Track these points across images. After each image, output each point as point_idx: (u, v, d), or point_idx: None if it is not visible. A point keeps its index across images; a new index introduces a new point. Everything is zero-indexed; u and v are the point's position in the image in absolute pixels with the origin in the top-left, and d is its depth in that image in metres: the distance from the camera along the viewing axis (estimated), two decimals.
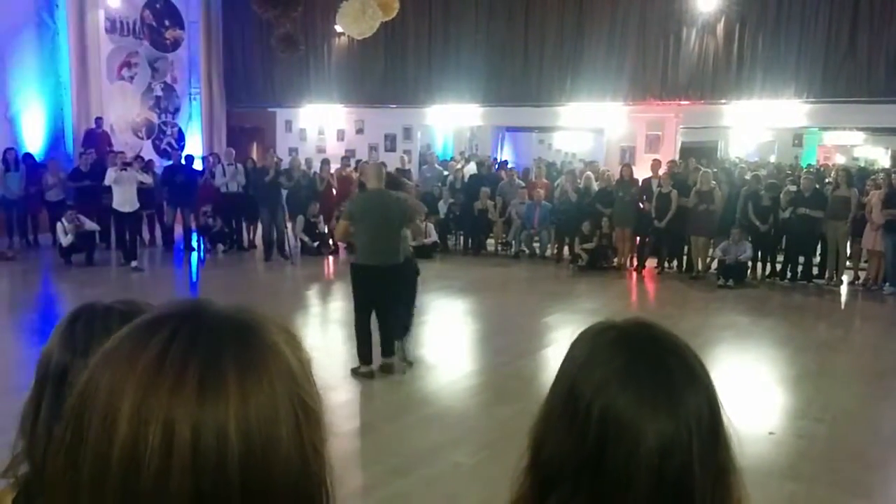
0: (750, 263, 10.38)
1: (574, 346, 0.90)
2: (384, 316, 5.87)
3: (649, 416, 0.80)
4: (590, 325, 0.93)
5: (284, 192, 11.96)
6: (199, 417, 0.52)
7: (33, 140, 13.01)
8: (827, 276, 10.30)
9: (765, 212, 10.36)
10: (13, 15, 12.56)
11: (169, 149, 15.16)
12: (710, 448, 0.82)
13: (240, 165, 12.45)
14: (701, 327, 7.81)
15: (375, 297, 5.74)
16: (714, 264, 10.63)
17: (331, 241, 12.11)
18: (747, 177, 11.49)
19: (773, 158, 18.42)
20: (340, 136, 15.88)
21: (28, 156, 12.16)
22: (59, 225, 10.57)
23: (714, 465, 0.82)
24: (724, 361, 6.62)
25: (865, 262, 10.35)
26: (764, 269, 10.81)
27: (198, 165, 13.00)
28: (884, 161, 17.99)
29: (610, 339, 0.87)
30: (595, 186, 11.83)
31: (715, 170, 12.37)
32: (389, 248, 5.61)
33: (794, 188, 10.63)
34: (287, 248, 11.77)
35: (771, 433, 4.81)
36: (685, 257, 11.17)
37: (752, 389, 5.78)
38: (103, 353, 0.57)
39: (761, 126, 14.96)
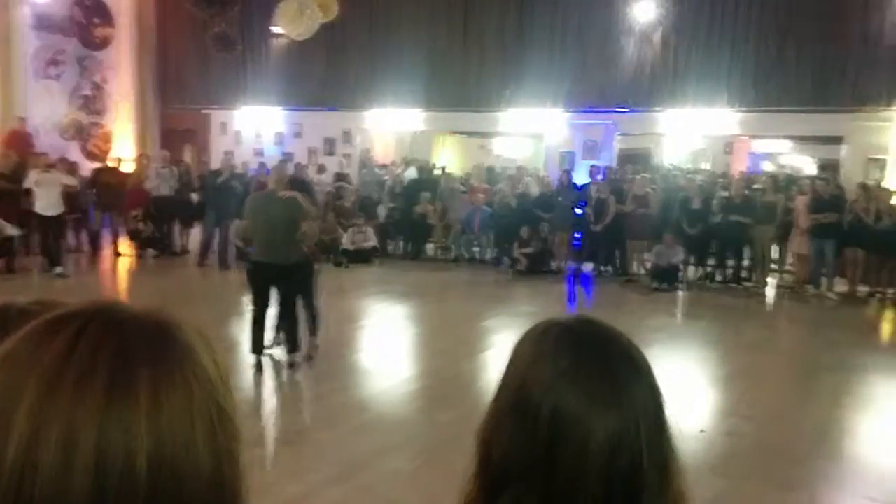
0: (682, 267, 10.66)
1: (519, 345, 0.90)
2: (283, 313, 6.15)
3: (599, 413, 0.80)
4: (533, 325, 0.92)
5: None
6: (106, 419, 0.49)
7: None
8: (755, 278, 10.66)
9: (695, 216, 10.65)
10: None
11: (97, 151, 14.60)
12: (656, 441, 0.83)
13: (174, 168, 12.09)
14: (635, 329, 7.94)
15: (268, 292, 5.99)
16: (648, 267, 10.87)
17: None
18: (682, 182, 11.81)
19: (706, 165, 18.98)
20: (279, 139, 15.62)
21: None
22: None
23: (660, 457, 0.83)
24: (658, 362, 6.66)
25: (791, 265, 10.76)
26: (696, 271, 11.11)
27: (127, 168, 12.55)
28: (809, 169, 18.77)
29: (555, 338, 0.87)
30: (535, 192, 11.95)
31: (649, 176, 12.68)
32: (280, 246, 5.81)
33: (725, 193, 10.96)
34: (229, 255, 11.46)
35: (702, 431, 4.92)
36: (619, 261, 11.38)
37: (684, 389, 5.90)
38: (3, 351, 0.53)
39: (695, 134, 15.41)
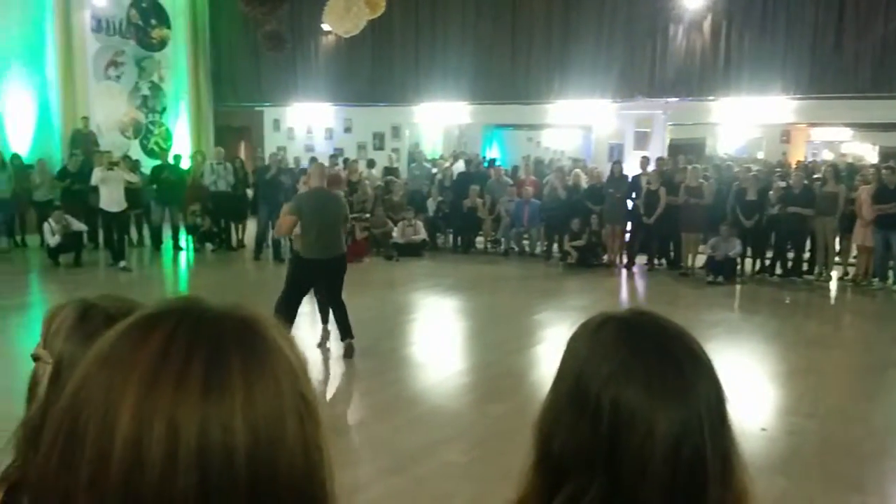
0: (739, 259, 10.42)
1: (574, 340, 0.91)
2: (333, 304, 6.36)
3: (661, 404, 0.81)
4: (587, 318, 0.93)
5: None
6: (205, 414, 0.51)
7: (21, 141, 12.88)
8: (816, 271, 10.36)
9: (751, 207, 10.40)
10: (0, 18, 12.44)
11: (156, 148, 15.06)
12: (719, 432, 0.83)
13: (228, 164, 12.39)
14: (691, 323, 7.75)
15: (316, 287, 6.32)
16: (703, 260, 10.67)
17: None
18: (736, 172, 11.54)
19: (760, 154, 18.50)
20: (329, 134, 15.83)
21: (15, 156, 12.05)
22: (46, 225, 10.48)
23: (723, 448, 0.83)
24: (715, 358, 6.55)
25: (854, 257, 10.42)
26: (753, 265, 10.86)
27: (185, 164, 12.91)
28: (872, 157, 18.12)
29: (612, 331, 0.88)
30: (584, 184, 11.85)
31: (704, 166, 12.42)
32: (334, 241, 6.14)
33: (783, 184, 10.68)
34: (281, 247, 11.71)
35: (763, 429, 4.83)
36: (673, 254, 11.21)
37: (743, 386, 5.79)
38: (98, 353, 0.55)
39: (749, 122, 15.04)
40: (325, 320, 6.65)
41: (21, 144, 12.77)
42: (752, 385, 5.89)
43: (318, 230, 6.00)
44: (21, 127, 13.01)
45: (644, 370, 0.83)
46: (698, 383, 0.83)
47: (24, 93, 13.05)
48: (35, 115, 13.25)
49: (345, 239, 6.48)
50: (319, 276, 6.23)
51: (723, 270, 10.06)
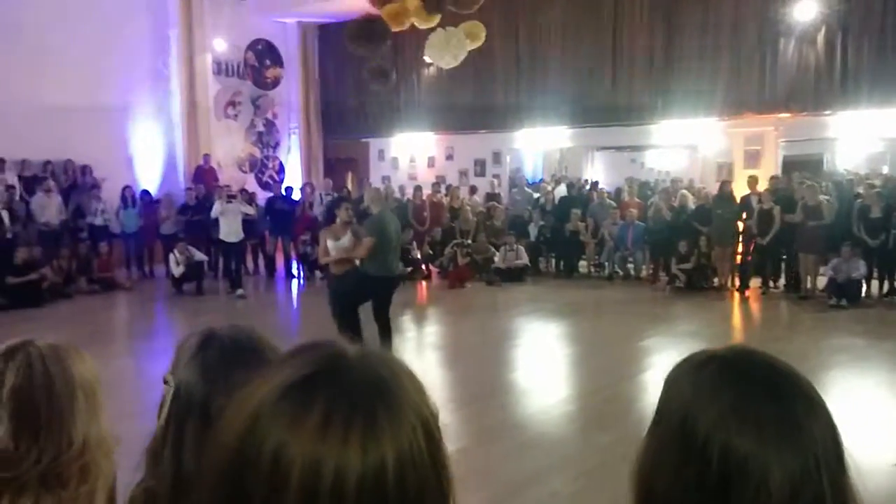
0: (864, 281, 9.77)
1: (675, 380, 0.88)
2: (385, 324, 6.75)
3: (775, 451, 0.77)
4: (686, 356, 0.91)
5: None
6: (364, 460, 0.62)
7: (149, 177, 13.97)
8: None
9: (876, 225, 9.75)
10: (133, 65, 13.61)
11: (270, 181, 15.90)
12: (838, 477, 0.80)
13: (336, 195, 12.90)
14: (812, 350, 7.41)
15: (376, 303, 6.67)
16: (824, 283, 10.06)
17: (423, 267, 12.30)
18: (860, 189, 10.87)
19: (885, 170, 17.31)
20: (431, 162, 16.16)
21: (144, 192, 13.04)
22: (171, 256, 11.25)
23: (843, 493, 0.79)
24: (840, 387, 6.24)
25: None
26: (881, 287, 10.15)
27: (296, 196, 13.54)
28: None
29: (714, 371, 0.84)
30: (691, 204, 11.50)
31: (823, 183, 11.77)
32: (395, 259, 6.77)
33: None
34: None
35: (894, 465, 4.49)
36: (792, 276, 10.65)
37: (872, 417, 5.42)
38: (258, 414, 0.65)
39: (871, 136, 14.13)
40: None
41: (149, 181, 13.83)
42: (881, 416, 5.50)
43: (388, 248, 6.54)
44: (149, 165, 14.11)
45: (755, 414, 0.79)
46: (813, 426, 0.79)
47: (152, 133, 14.16)
48: (162, 153, 14.34)
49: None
50: (387, 292, 6.72)
51: (846, 293, 9.46)
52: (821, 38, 11.20)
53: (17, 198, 11.38)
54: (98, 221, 12.09)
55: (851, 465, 0.82)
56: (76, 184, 12.42)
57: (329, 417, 0.63)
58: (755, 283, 10.83)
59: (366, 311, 6.84)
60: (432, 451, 0.66)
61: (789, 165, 13.55)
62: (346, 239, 6.82)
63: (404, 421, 0.65)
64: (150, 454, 1.12)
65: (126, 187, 12.57)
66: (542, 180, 15.81)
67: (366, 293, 6.65)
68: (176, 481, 1.07)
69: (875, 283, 10.15)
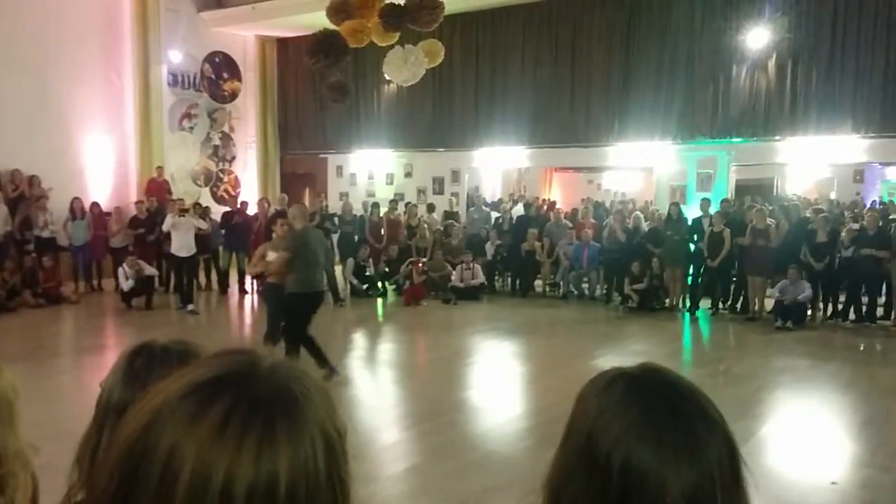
0: (809, 304, 10.04)
1: (584, 397, 0.90)
2: (309, 338, 6.75)
3: (672, 467, 0.79)
4: (597, 374, 0.92)
5: (335, 237, 12.18)
6: (257, 469, 0.61)
7: (100, 189, 13.62)
8: (893, 317, 9.87)
9: (821, 250, 10.04)
10: (84, 76, 13.31)
11: (226, 195, 15.65)
12: (732, 494, 0.82)
13: (306, 211, 12.76)
14: (758, 370, 7.55)
15: (291, 317, 6.70)
16: (771, 305, 10.31)
17: (379, 284, 12.24)
18: (807, 214, 11.19)
19: (832, 195, 17.91)
20: (389, 179, 16.15)
21: (95, 204, 12.72)
22: (120, 270, 10.97)
23: None
24: (783, 407, 6.37)
25: None
26: (825, 309, 10.43)
27: (251, 211, 13.36)
28: None
29: (622, 389, 0.87)
30: (644, 226, 11.69)
31: (772, 207, 12.09)
32: (319, 276, 6.77)
33: (856, 226, 10.28)
34: (339, 291, 11.91)
35: (834, 483, 4.58)
36: (741, 298, 10.88)
37: (814, 437, 5.54)
38: (160, 409, 0.64)
39: (819, 162, 14.61)
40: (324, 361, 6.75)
41: (100, 193, 13.49)
42: (822, 436, 5.62)
43: (315, 263, 6.65)
44: (100, 176, 13.77)
45: (655, 430, 0.81)
46: (711, 445, 0.82)
47: (104, 144, 13.84)
48: (113, 164, 14.02)
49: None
50: (313, 308, 6.75)
51: (792, 315, 9.70)
52: (772, 65, 11.56)
53: None
54: (45, 234, 11.74)
55: (748, 482, 0.85)
56: (23, 195, 12.05)
57: (227, 420, 0.62)
58: (705, 304, 11.03)
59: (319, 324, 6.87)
60: (331, 469, 0.66)
61: (741, 189, 13.92)
62: (276, 254, 7.02)
63: (304, 435, 0.64)
64: (76, 458, 1.14)
65: (75, 199, 12.25)
66: (500, 200, 15.93)
67: (300, 311, 6.67)
68: (90, 486, 1.06)
69: (820, 306, 10.42)
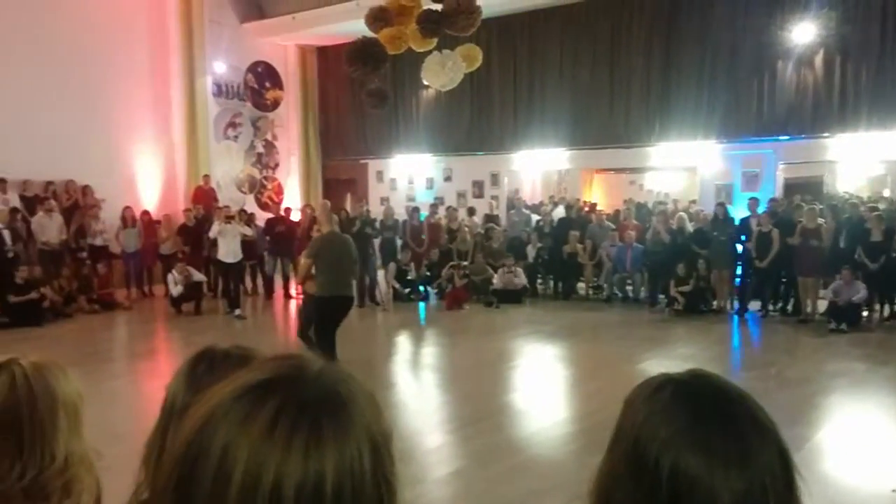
0: (865, 305, 9.72)
1: (632, 402, 0.89)
2: (331, 341, 6.83)
3: (722, 474, 0.78)
4: (644, 379, 0.91)
5: (377, 241, 12.27)
6: (305, 468, 0.63)
7: (149, 198, 14.01)
8: None
9: (875, 248, 9.73)
10: (132, 89, 13.71)
11: (269, 202, 15.92)
12: (785, 502, 0.80)
13: (334, 216, 12.90)
14: (811, 374, 7.35)
15: (338, 322, 6.78)
16: (824, 306, 10.02)
17: (421, 288, 12.29)
18: (860, 211, 10.86)
19: (886, 192, 17.34)
20: (429, 184, 16.21)
21: (145, 213, 13.07)
22: (170, 276, 11.25)
23: None
24: (839, 412, 6.19)
25: None
26: (881, 310, 10.10)
27: (295, 217, 13.55)
28: None
29: (670, 394, 0.86)
30: (689, 227, 11.50)
31: (821, 206, 11.77)
32: (350, 280, 6.87)
33: None
34: (379, 294, 12.00)
35: (894, 490, 4.43)
36: (791, 299, 10.61)
37: (871, 443, 5.36)
38: (215, 411, 0.67)
39: (871, 159, 14.16)
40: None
41: (150, 201, 13.87)
42: (881, 442, 5.44)
43: (337, 270, 6.67)
44: (149, 185, 14.17)
45: (704, 436, 0.81)
46: (762, 452, 0.81)
47: (153, 154, 14.23)
48: (162, 174, 14.40)
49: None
50: (341, 312, 6.81)
51: (846, 317, 9.41)
52: (819, 60, 11.26)
53: (19, 217, 11.42)
54: (98, 242, 12.12)
55: (802, 490, 0.83)
56: (77, 204, 12.46)
57: (276, 421, 0.64)
58: (754, 306, 10.79)
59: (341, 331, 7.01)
60: (376, 470, 0.68)
61: (790, 188, 13.58)
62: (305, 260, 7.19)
63: (350, 436, 0.66)
64: (142, 459, 1.18)
65: (126, 207, 12.61)
66: (540, 203, 15.84)
67: (327, 315, 6.77)
68: (155, 485, 1.11)
69: (876, 307, 10.09)
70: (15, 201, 11.73)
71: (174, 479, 0.66)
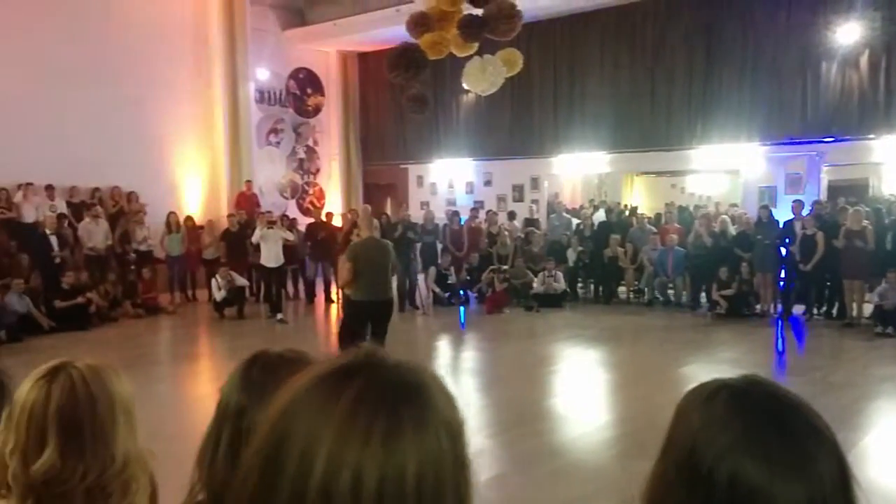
0: None
1: (685, 409, 0.89)
2: (381, 344, 6.51)
3: (782, 482, 0.77)
4: (696, 385, 0.92)
5: (418, 245, 12.36)
6: (384, 462, 0.64)
7: (193, 204, 14.33)
8: None
9: None
10: (177, 96, 14.06)
11: (311, 207, 16.16)
12: None
13: (375, 220, 13.04)
14: (857, 379, 7.21)
15: (372, 328, 6.69)
16: (870, 310, 9.79)
17: (461, 292, 12.34)
18: None
19: None
20: (469, 188, 16.26)
21: (188, 218, 13.37)
22: (213, 281, 11.48)
23: None
24: (886, 417, 6.05)
25: None
26: None
27: (336, 221, 13.71)
28: None
29: (725, 401, 0.85)
30: (732, 230, 11.34)
31: (867, 208, 11.50)
32: (387, 284, 6.77)
33: None
34: (419, 299, 12.08)
35: None
36: (836, 303, 10.39)
37: None
38: (294, 400, 0.69)
39: None
40: None
41: (193, 207, 14.19)
42: None
43: (374, 274, 6.60)
44: (193, 191, 14.49)
45: (763, 444, 0.79)
46: (820, 458, 0.80)
47: (196, 160, 14.56)
48: (205, 180, 14.72)
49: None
50: (376, 317, 6.74)
51: (893, 321, 9.19)
52: (864, 61, 11.02)
53: (66, 223, 11.77)
54: (143, 247, 12.41)
55: (859, 498, 0.83)
56: (122, 210, 12.80)
57: (356, 409, 0.65)
58: (798, 309, 10.59)
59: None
60: (456, 454, 0.69)
61: (834, 191, 13.30)
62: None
63: (429, 426, 0.67)
64: (197, 460, 1.19)
65: (170, 213, 12.89)
66: (581, 206, 15.77)
67: (355, 318, 6.80)
68: (210, 485, 1.14)
69: None
70: (62, 208, 12.07)
71: (259, 462, 0.67)
